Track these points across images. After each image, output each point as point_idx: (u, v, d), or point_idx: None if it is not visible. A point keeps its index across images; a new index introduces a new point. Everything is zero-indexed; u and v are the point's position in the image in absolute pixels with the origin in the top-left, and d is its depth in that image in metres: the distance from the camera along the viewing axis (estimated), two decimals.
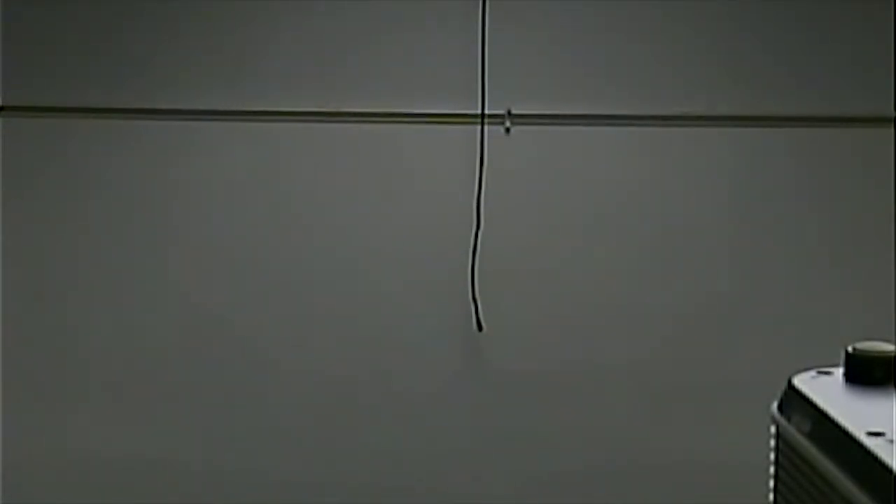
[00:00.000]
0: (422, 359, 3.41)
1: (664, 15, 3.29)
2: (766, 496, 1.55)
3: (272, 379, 3.43)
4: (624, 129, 3.31)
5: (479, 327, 3.36)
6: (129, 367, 3.44)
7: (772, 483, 1.54)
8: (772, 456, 1.53)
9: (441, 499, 3.43)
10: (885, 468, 1.20)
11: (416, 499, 3.43)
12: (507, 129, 3.32)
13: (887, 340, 1.53)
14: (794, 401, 1.48)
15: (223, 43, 3.36)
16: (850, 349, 1.52)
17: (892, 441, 1.25)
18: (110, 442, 3.45)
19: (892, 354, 1.49)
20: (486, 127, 3.30)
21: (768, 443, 1.53)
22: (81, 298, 3.44)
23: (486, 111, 3.30)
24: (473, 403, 3.42)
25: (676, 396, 3.37)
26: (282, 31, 3.35)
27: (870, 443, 1.26)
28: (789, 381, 1.53)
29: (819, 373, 1.56)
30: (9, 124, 3.39)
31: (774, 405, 1.54)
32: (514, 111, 3.31)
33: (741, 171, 3.34)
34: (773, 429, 1.53)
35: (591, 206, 3.35)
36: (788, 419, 1.48)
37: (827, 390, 1.47)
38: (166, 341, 3.43)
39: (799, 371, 1.56)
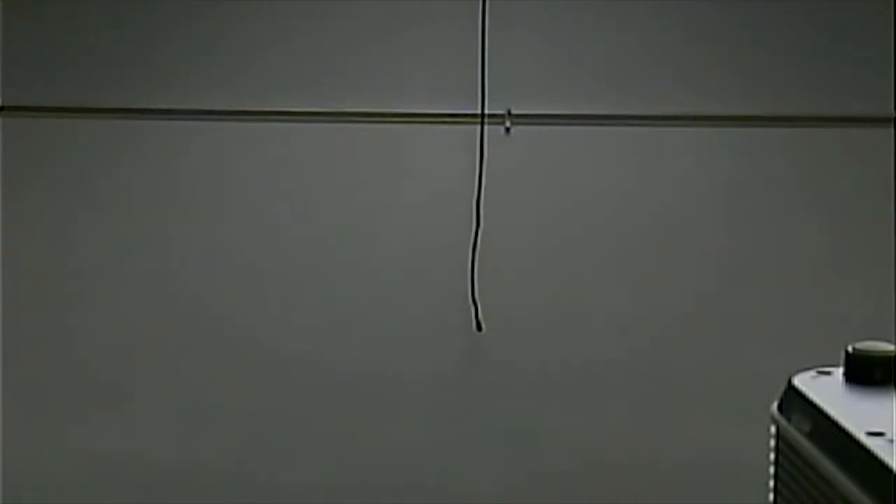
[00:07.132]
0: (421, 358, 3.41)
1: (663, 15, 3.29)
2: (766, 496, 1.55)
3: (272, 378, 3.43)
4: (623, 129, 3.31)
5: (479, 327, 3.36)
6: (129, 368, 3.44)
7: (772, 483, 1.54)
8: (772, 456, 1.53)
9: (440, 498, 3.43)
10: (885, 468, 1.20)
11: (416, 497, 3.43)
12: (507, 129, 3.32)
13: (887, 340, 1.53)
14: (794, 401, 1.48)
15: (223, 43, 3.36)
16: (850, 349, 1.52)
17: (892, 441, 1.25)
18: (110, 442, 3.45)
19: (892, 354, 1.49)
20: (486, 127, 3.31)
21: (768, 443, 1.53)
22: (81, 298, 3.44)
23: (486, 111, 3.30)
24: (473, 403, 3.42)
25: (676, 396, 3.37)
26: (282, 31, 3.35)
27: (870, 443, 1.26)
28: (789, 381, 1.53)
29: (819, 373, 1.56)
30: (9, 124, 3.39)
31: (774, 405, 1.54)
32: (514, 111, 3.31)
33: (741, 170, 3.34)
34: (773, 429, 1.53)
35: (591, 206, 3.35)
36: (788, 419, 1.48)
37: (827, 390, 1.47)
38: (166, 341, 3.43)
39: (799, 371, 1.56)
